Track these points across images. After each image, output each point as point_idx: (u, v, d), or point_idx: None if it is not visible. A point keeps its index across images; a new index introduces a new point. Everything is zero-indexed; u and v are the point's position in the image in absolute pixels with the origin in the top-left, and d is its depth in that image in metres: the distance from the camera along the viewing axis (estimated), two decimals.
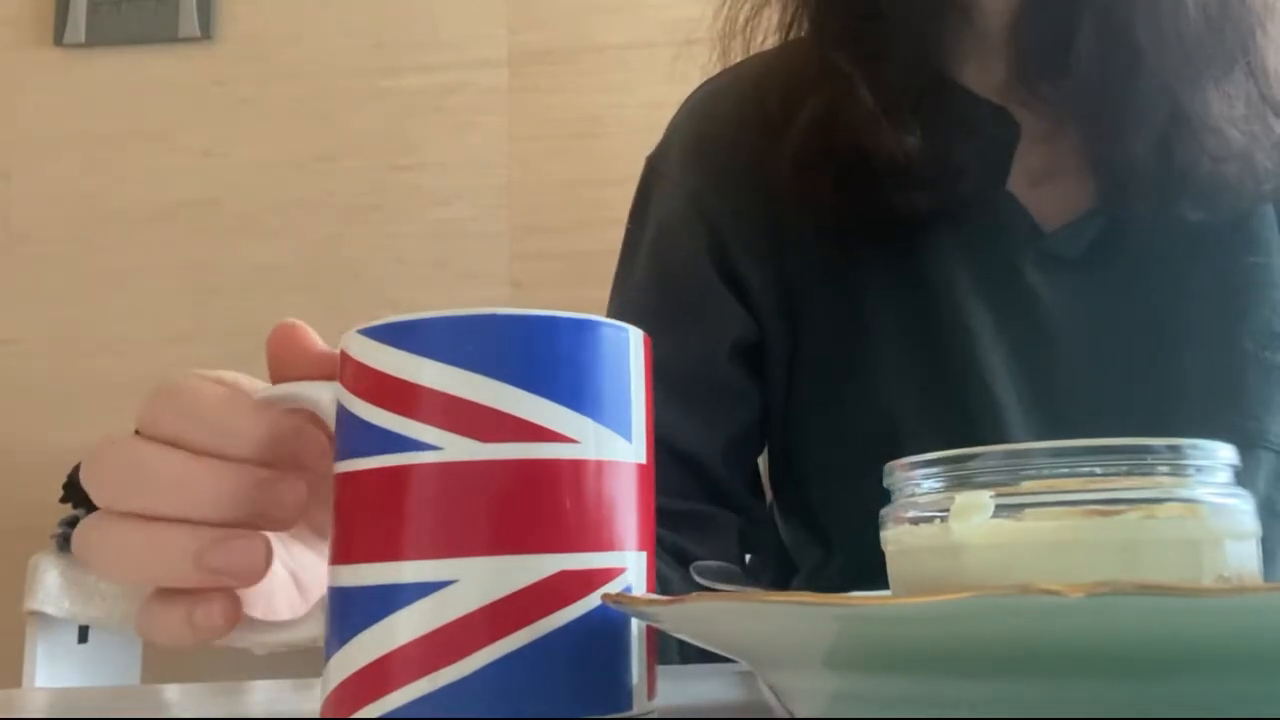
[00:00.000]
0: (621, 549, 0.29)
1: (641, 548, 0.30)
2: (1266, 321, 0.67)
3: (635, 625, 0.30)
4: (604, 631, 0.29)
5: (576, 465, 0.29)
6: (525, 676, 0.28)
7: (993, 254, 0.69)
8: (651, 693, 0.31)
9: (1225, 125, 0.65)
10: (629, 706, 0.29)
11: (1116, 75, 0.66)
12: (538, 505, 0.28)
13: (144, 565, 0.33)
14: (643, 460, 0.30)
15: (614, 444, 0.29)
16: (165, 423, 0.33)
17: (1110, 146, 0.68)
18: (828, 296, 0.71)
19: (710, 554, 0.68)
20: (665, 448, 0.72)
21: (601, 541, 0.29)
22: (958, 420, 0.67)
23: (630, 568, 0.30)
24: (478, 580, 0.28)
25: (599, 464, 0.29)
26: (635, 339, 0.32)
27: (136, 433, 0.34)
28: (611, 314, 0.77)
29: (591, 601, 0.28)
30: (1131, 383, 0.67)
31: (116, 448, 0.33)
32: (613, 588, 0.29)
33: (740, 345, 0.72)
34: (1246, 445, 0.65)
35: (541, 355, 0.29)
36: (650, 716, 0.31)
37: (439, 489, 0.28)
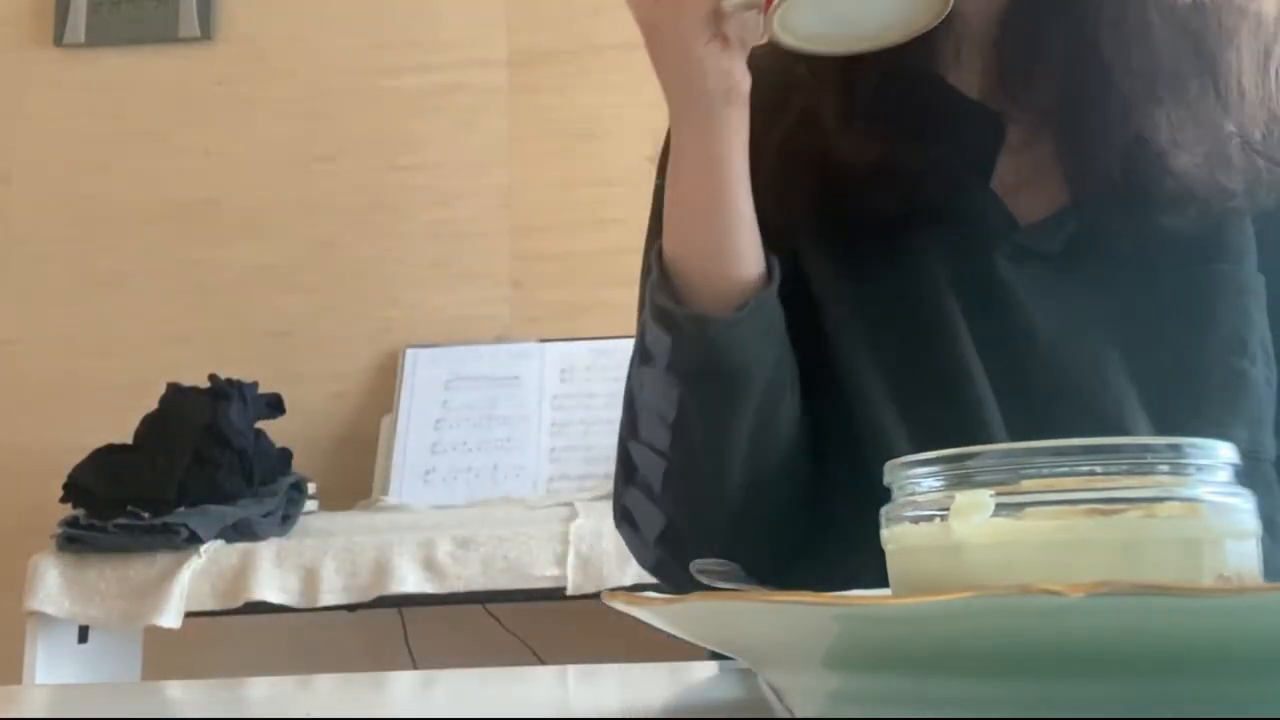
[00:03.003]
0: None
1: None
2: (1235, 328, 0.68)
3: None
4: None
5: None
6: None
7: (970, 248, 0.70)
8: None
9: (1190, 143, 0.67)
10: None
11: (1082, 90, 0.68)
12: None
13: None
14: None
15: None
16: None
17: (1076, 159, 0.70)
18: (818, 281, 0.73)
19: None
20: None
21: None
22: (933, 407, 0.69)
23: None
24: None
25: None
26: None
27: None
28: (647, 270, 0.78)
29: None
30: (1102, 379, 0.68)
31: None
32: None
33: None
34: None
35: None
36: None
37: None
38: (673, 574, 0.73)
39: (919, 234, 0.71)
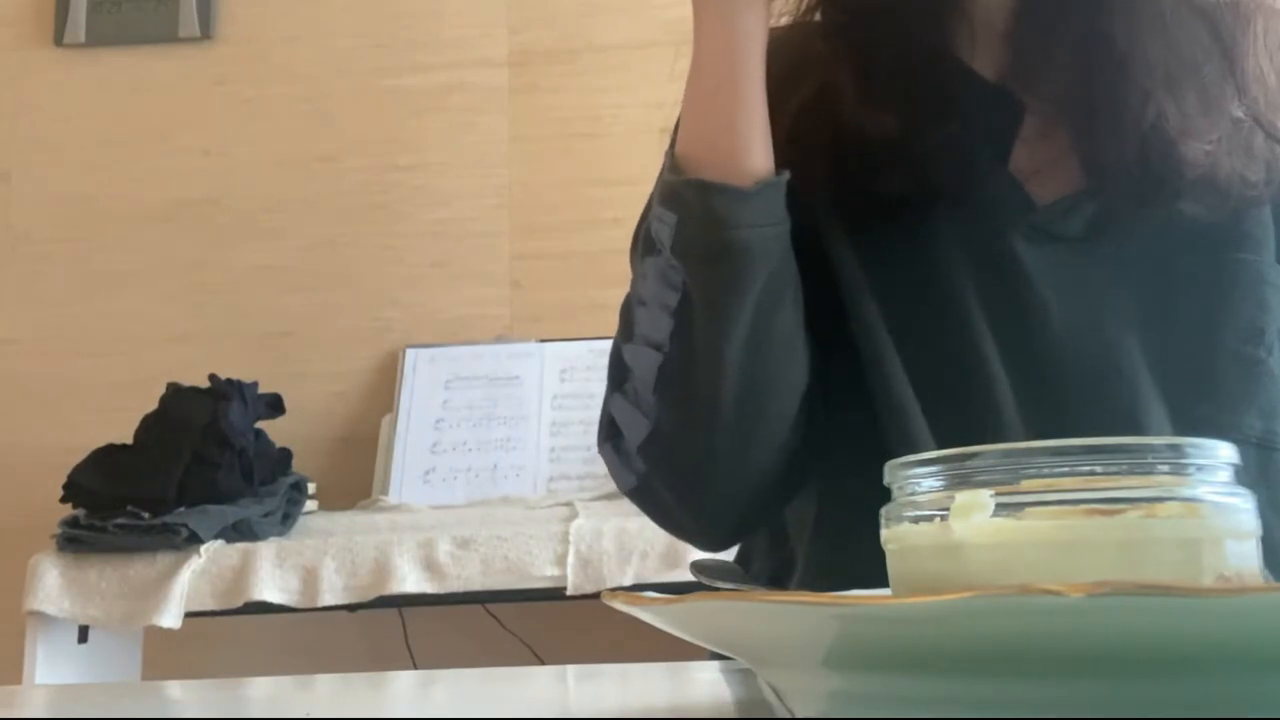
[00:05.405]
0: None
1: None
2: (1251, 317, 0.68)
3: None
4: None
5: None
6: None
7: (985, 228, 0.71)
8: None
9: (1206, 131, 0.67)
10: None
11: (1097, 79, 0.68)
12: None
13: None
14: None
15: None
16: None
17: (1092, 147, 0.70)
18: (834, 250, 0.73)
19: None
20: None
21: None
22: (946, 384, 0.69)
23: None
24: None
25: None
26: None
27: None
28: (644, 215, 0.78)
29: None
30: (1116, 363, 0.68)
31: None
32: None
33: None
34: (1220, 437, 0.66)
35: None
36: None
37: None
38: (654, 498, 0.72)
39: (934, 212, 0.71)
